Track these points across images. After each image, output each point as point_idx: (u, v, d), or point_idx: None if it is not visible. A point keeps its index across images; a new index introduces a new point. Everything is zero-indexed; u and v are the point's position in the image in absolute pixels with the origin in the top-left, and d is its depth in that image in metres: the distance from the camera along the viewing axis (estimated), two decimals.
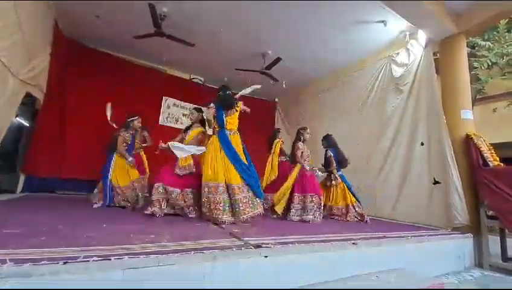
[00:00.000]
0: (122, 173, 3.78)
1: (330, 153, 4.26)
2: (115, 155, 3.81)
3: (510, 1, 3.40)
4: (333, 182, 4.18)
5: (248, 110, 3.41)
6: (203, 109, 3.64)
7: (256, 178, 3.09)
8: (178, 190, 3.17)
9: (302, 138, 3.95)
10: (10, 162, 4.44)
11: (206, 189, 2.92)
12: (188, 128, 3.68)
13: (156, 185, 3.14)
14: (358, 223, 3.71)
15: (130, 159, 3.79)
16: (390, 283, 2.02)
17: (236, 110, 3.27)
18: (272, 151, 5.00)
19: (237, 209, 2.86)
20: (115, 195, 3.69)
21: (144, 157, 4.42)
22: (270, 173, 4.87)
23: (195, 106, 3.71)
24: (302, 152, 3.86)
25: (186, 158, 3.30)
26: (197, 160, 3.41)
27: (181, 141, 3.52)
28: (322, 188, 4.22)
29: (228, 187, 2.90)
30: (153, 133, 5.81)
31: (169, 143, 3.27)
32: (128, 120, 3.96)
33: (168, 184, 3.13)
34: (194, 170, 3.29)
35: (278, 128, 5.44)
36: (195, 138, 3.52)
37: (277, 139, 5.07)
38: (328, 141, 4.42)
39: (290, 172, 3.82)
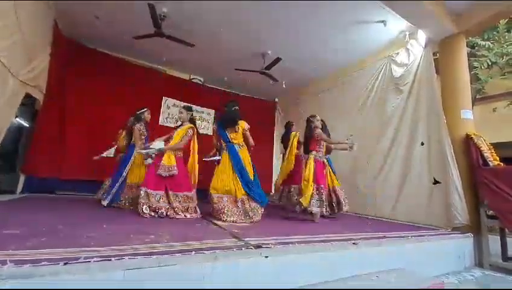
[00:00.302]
0: (138, 171, 3.69)
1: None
2: (135, 151, 3.71)
3: (510, 1, 3.40)
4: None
5: (252, 143, 3.51)
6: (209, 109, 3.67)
7: (258, 191, 3.29)
8: (161, 192, 3.09)
9: (313, 126, 3.86)
10: (10, 162, 4.43)
11: (212, 198, 3.20)
12: (177, 127, 3.59)
13: (140, 188, 3.11)
14: (357, 222, 3.71)
15: (149, 160, 3.63)
16: (390, 283, 2.02)
17: (239, 129, 3.40)
18: (290, 144, 4.90)
19: (248, 217, 3.15)
20: (124, 193, 3.59)
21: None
22: (286, 168, 4.85)
23: (186, 104, 3.64)
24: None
25: (170, 158, 3.23)
26: (181, 163, 3.38)
27: (167, 139, 3.48)
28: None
29: (238, 199, 3.17)
30: (153, 134, 5.83)
31: (157, 140, 3.32)
32: (139, 112, 3.92)
33: (150, 188, 3.05)
34: (176, 172, 3.19)
35: (292, 122, 5.35)
36: (184, 137, 3.41)
37: (293, 132, 5.00)
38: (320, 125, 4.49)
39: (306, 164, 3.73)
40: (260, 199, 3.25)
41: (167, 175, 3.15)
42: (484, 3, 3.57)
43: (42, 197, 4.10)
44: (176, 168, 3.20)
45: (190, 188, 3.34)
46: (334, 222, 3.78)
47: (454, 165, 3.48)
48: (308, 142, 3.86)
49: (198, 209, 3.29)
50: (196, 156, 3.66)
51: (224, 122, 3.41)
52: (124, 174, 3.64)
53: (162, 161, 3.19)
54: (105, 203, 3.52)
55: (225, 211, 3.08)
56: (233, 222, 3.02)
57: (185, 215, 3.10)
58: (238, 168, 3.23)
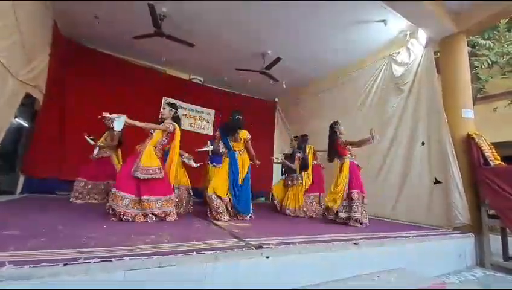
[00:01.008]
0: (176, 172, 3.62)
1: (299, 155, 4.57)
2: (169, 152, 3.63)
3: (509, 1, 3.40)
4: (294, 181, 4.46)
5: (253, 153, 3.62)
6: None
7: (244, 199, 3.39)
8: (131, 197, 2.64)
9: (338, 132, 3.79)
10: (10, 162, 4.43)
11: (209, 198, 3.24)
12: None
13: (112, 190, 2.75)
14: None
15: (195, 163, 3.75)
16: (391, 283, 2.02)
17: (240, 140, 3.50)
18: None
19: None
20: None
21: (115, 161, 4.23)
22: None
23: (171, 100, 3.25)
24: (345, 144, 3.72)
25: (151, 158, 2.83)
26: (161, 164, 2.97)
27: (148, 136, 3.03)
28: (280, 187, 4.64)
29: (225, 199, 3.30)
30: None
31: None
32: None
33: (120, 190, 2.64)
34: (160, 176, 2.79)
35: (306, 135, 5.28)
36: (162, 126, 3.02)
37: (308, 145, 5.06)
38: (304, 142, 4.72)
39: (341, 169, 3.62)
40: (243, 210, 3.36)
41: (147, 177, 2.72)
42: (484, 3, 3.56)
43: (42, 198, 4.09)
44: (161, 171, 2.82)
45: (171, 190, 2.96)
46: (332, 222, 3.76)
47: (455, 163, 3.48)
48: (337, 148, 3.74)
49: (175, 213, 2.91)
50: (177, 156, 3.25)
51: (226, 130, 3.57)
52: None
53: (141, 161, 2.75)
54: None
55: (221, 212, 3.16)
56: (228, 220, 3.14)
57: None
58: (234, 175, 3.37)
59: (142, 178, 2.69)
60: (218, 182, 3.33)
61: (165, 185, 2.89)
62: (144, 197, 2.69)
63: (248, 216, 3.40)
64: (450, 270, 2.83)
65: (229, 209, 3.30)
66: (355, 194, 3.46)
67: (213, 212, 3.18)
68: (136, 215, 2.63)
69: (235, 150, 3.48)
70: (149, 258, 1.43)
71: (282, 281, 1.77)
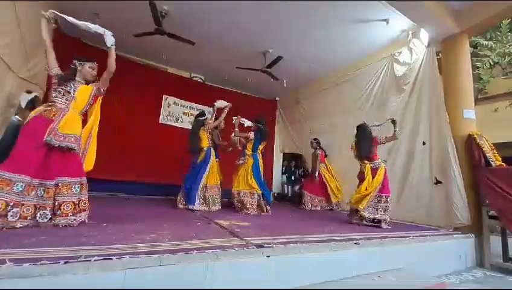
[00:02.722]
0: (213, 172, 3.98)
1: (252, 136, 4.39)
2: (212, 150, 4.04)
3: (510, 0, 3.38)
4: (241, 160, 4.19)
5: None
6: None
7: (266, 192, 4.12)
8: (27, 179, 1.93)
9: (371, 131, 3.69)
10: None
11: (240, 194, 3.94)
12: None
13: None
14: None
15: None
16: (391, 283, 2.02)
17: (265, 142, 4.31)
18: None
19: (259, 208, 3.96)
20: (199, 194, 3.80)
21: None
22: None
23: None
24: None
25: (74, 125, 2.17)
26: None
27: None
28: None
29: (255, 193, 3.96)
30: (153, 132, 5.82)
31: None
32: (202, 119, 4.19)
33: (8, 170, 1.93)
34: (78, 149, 2.15)
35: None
36: (88, 103, 2.40)
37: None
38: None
39: (375, 172, 3.50)
40: (268, 197, 4.11)
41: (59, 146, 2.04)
42: (485, 3, 3.55)
43: None
44: (74, 140, 2.11)
45: (83, 170, 2.25)
46: (333, 221, 3.76)
47: (456, 163, 3.47)
48: (369, 149, 3.58)
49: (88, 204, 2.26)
50: (96, 128, 2.47)
51: (264, 137, 4.22)
52: (203, 177, 3.84)
53: (58, 125, 2.06)
54: (194, 207, 3.70)
55: (247, 206, 3.82)
56: (251, 213, 3.77)
57: (74, 219, 2.06)
58: (257, 172, 4.05)
59: (55, 145, 2.02)
60: (240, 178, 4.03)
61: (79, 163, 2.20)
62: (54, 181, 2.01)
63: (269, 204, 4.08)
64: (450, 270, 2.84)
65: (260, 203, 3.95)
66: (387, 198, 3.42)
67: (238, 207, 3.92)
68: (37, 207, 1.95)
69: (258, 153, 4.15)
70: (149, 257, 1.42)
71: (283, 281, 1.77)
